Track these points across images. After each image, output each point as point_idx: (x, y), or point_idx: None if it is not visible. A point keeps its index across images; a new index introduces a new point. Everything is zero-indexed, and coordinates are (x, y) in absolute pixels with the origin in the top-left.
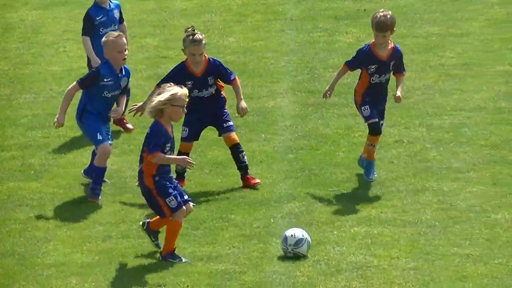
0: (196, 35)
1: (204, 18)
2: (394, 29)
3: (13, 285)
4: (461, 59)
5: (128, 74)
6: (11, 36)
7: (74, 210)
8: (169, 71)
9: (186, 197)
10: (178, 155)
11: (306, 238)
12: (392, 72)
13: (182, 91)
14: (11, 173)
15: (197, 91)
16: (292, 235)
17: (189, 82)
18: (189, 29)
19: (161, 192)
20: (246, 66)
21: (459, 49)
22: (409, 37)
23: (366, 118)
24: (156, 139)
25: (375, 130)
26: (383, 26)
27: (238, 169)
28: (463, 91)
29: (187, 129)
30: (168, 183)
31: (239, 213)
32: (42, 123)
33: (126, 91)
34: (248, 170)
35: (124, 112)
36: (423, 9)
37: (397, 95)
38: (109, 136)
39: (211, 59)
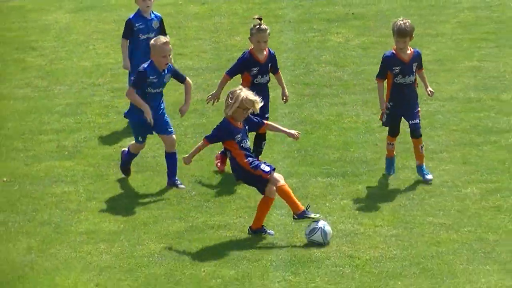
0: (263, 25)
1: (214, 21)
2: (412, 37)
3: (50, 249)
4: (436, 56)
5: (170, 71)
6: (47, 36)
7: (102, 185)
8: (236, 60)
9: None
10: (258, 135)
11: (320, 227)
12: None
13: (247, 94)
14: (48, 153)
15: (260, 76)
16: (309, 225)
17: (255, 69)
18: (256, 19)
19: (255, 166)
20: None
21: (434, 47)
22: (391, 37)
23: (385, 123)
24: (215, 131)
25: (390, 132)
26: (403, 33)
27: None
28: (437, 83)
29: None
30: (254, 158)
31: (244, 188)
32: (74, 110)
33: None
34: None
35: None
36: (403, 13)
37: (429, 89)
38: (168, 128)
39: (270, 50)
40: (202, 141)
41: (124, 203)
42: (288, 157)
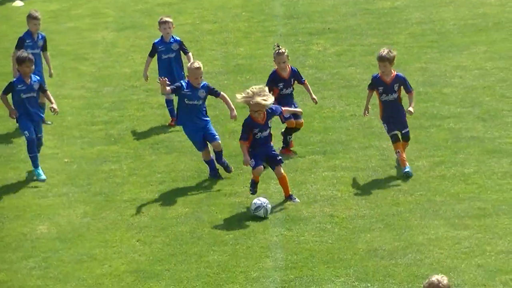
0: (280, 50)
1: (223, 36)
2: (393, 62)
3: (101, 214)
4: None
5: (205, 87)
6: (96, 49)
7: (140, 163)
8: (268, 77)
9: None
10: (287, 130)
11: (264, 206)
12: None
13: (255, 101)
14: (98, 140)
15: (285, 89)
16: (254, 203)
17: (281, 84)
18: (276, 46)
19: (252, 156)
20: (251, 66)
21: None
22: (358, 45)
23: (387, 132)
24: (242, 130)
25: (393, 139)
26: (382, 58)
27: (283, 141)
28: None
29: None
30: (256, 150)
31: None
32: (118, 106)
33: (216, 94)
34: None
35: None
36: (367, 27)
37: (409, 109)
38: (214, 135)
39: (292, 67)
40: (240, 143)
41: (157, 177)
42: (281, 140)
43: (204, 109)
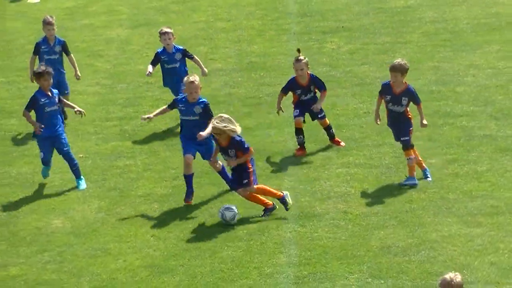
0: (298, 57)
1: (237, 33)
2: (404, 74)
3: (116, 209)
4: (405, 58)
5: (202, 103)
6: (111, 47)
7: (155, 159)
8: (286, 82)
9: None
10: (295, 130)
11: (221, 212)
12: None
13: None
14: (113, 135)
15: (303, 95)
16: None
17: (298, 90)
18: (297, 52)
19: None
20: (264, 64)
21: (404, 52)
22: (372, 44)
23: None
24: (244, 143)
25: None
26: (393, 68)
27: (329, 136)
28: (407, 79)
29: (298, 110)
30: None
31: (262, 163)
32: (132, 103)
33: (209, 118)
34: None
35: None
36: (380, 25)
37: (423, 123)
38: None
39: (311, 75)
40: (246, 156)
41: (171, 173)
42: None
43: (198, 127)
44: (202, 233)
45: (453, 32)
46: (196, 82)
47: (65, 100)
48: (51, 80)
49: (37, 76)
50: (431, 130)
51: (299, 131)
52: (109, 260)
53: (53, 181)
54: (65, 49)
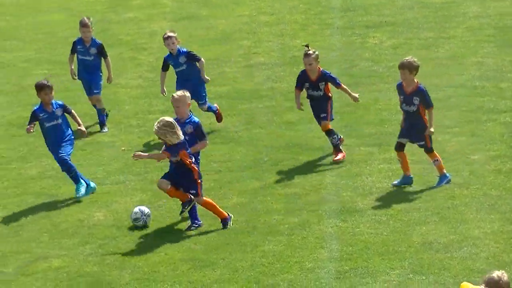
0: (308, 52)
1: (280, 27)
2: (414, 71)
3: (158, 202)
4: (449, 53)
5: (193, 123)
6: (154, 39)
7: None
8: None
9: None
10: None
11: (144, 218)
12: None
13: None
14: None
15: (311, 90)
16: (135, 213)
17: (307, 84)
18: (305, 47)
19: None
20: None
21: (447, 47)
22: (415, 39)
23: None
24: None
25: (396, 146)
26: (401, 65)
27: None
28: (450, 75)
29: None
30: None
31: (304, 157)
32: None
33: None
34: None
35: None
36: (424, 20)
37: (430, 130)
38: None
39: (323, 71)
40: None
41: (213, 166)
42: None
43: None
44: (243, 227)
45: (497, 27)
46: (182, 99)
47: (73, 112)
48: (52, 94)
49: (38, 88)
50: (474, 126)
51: (329, 133)
52: (150, 253)
53: (95, 173)
54: (101, 51)
